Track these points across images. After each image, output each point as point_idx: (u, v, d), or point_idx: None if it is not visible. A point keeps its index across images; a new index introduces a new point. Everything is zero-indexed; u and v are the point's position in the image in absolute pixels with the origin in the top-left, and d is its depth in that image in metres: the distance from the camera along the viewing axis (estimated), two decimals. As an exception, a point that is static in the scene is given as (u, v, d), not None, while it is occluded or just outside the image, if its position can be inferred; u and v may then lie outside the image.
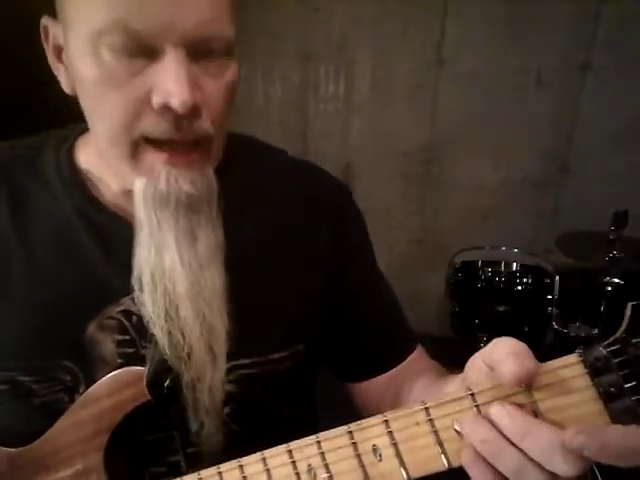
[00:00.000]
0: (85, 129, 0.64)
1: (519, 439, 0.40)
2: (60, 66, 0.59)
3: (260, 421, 0.66)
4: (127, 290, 0.60)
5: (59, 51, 0.58)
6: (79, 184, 0.64)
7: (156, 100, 0.51)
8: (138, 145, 0.54)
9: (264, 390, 0.66)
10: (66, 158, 0.65)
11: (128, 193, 0.60)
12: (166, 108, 0.51)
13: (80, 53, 0.52)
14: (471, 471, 0.42)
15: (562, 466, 0.38)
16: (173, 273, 0.57)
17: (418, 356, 0.75)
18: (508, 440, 0.40)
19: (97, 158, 0.63)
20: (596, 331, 1.94)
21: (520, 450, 0.40)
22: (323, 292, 0.70)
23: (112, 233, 0.62)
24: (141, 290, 0.58)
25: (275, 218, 0.69)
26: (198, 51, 0.52)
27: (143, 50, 0.50)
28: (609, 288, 1.84)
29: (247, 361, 0.63)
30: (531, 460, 0.40)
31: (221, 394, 0.61)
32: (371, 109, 2.66)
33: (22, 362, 0.60)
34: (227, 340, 0.60)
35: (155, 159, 0.55)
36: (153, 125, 0.53)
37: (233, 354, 0.61)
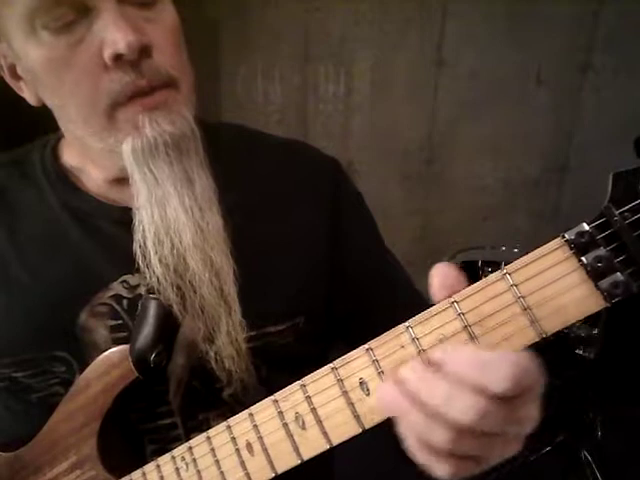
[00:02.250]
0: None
1: (417, 394, 0.37)
2: (19, 83, 0.60)
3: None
4: (116, 275, 0.61)
5: (13, 69, 0.59)
6: (63, 178, 0.65)
7: (107, 54, 0.52)
8: (113, 110, 0.55)
9: (268, 368, 0.65)
10: (50, 158, 0.67)
11: (111, 182, 0.63)
12: (119, 59, 0.52)
13: (25, 48, 0.54)
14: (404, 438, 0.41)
15: (459, 410, 0.35)
16: (177, 224, 0.58)
17: None
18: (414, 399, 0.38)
19: (78, 154, 0.65)
20: (596, 331, 1.94)
21: (422, 407, 0.37)
22: (322, 264, 0.69)
23: (98, 221, 0.63)
24: (145, 256, 0.58)
25: (267, 191, 0.69)
26: None
27: (76, 14, 0.51)
28: (609, 288, 1.83)
29: (243, 335, 0.62)
30: (433, 416, 0.37)
31: (242, 337, 0.61)
32: (371, 109, 2.66)
33: (16, 357, 0.61)
34: (235, 280, 0.60)
35: (133, 112, 0.55)
36: (116, 83, 0.54)
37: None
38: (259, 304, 0.63)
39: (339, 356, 0.78)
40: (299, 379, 0.65)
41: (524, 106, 2.53)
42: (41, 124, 0.66)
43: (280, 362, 0.66)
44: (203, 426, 0.64)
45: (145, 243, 0.58)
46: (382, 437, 0.44)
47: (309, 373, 0.70)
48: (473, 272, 2.08)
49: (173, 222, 0.58)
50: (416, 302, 0.75)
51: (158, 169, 0.56)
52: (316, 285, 0.69)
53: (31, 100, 0.61)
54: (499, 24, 2.44)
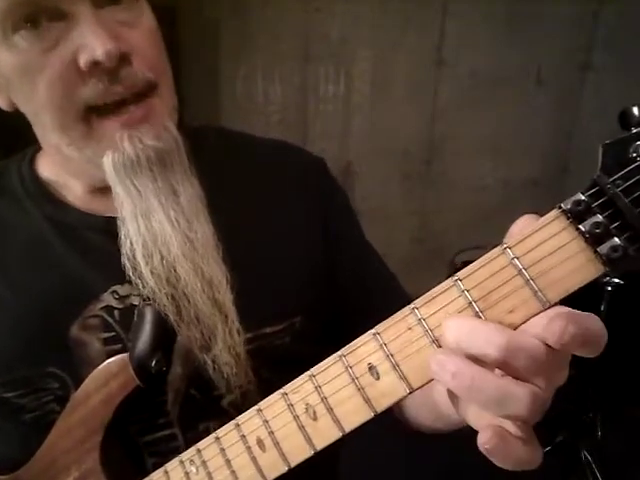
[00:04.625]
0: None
1: (495, 356, 0.36)
2: None
3: None
4: (105, 286, 0.60)
5: None
6: (44, 192, 0.64)
7: (83, 61, 0.51)
8: (89, 120, 0.54)
9: (268, 371, 0.64)
10: (29, 171, 0.65)
11: (93, 192, 0.62)
12: (95, 66, 0.51)
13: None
14: (463, 415, 0.39)
15: (556, 373, 0.36)
16: (164, 236, 0.57)
17: None
18: (479, 362, 0.36)
19: (57, 166, 0.64)
20: (596, 331, 1.93)
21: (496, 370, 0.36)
22: (317, 263, 0.69)
23: (82, 232, 0.62)
24: (135, 268, 0.57)
25: (257, 193, 0.68)
26: None
27: (50, 18, 0.50)
28: (609, 288, 1.84)
29: (241, 340, 0.61)
30: (512, 378, 0.36)
31: (239, 344, 0.59)
32: (371, 109, 2.66)
33: (6, 377, 0.59)
34: (229, 288, 0.59)
35: (112, 127, 0.54)
36: (92, 90, 0.52)
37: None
38: (256, 306, 0.62)
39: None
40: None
41: (524, 106, 2.53)
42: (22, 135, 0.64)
43: (278, 363, 0.65)
44: (203, 436, 0.62)
45: (134, 255, 0.57)
46: (385, 439, 0.43)
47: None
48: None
49: (159, 234, 0.57)
50: (400, 297, 0.74)
51: (141, 184, 0.55)
52: (312, 284, 0.68)
53: (4, 105, 0.59)
54: (499, 24, 2.44)
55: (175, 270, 0.57)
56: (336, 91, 2.67)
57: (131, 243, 0.57)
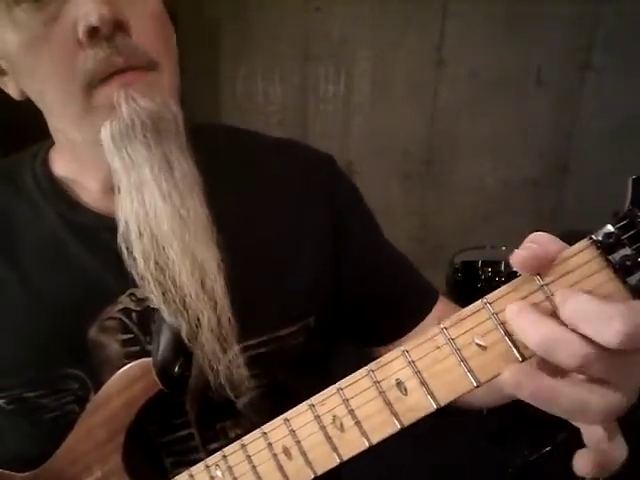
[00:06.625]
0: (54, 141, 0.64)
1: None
2: (4, 78, 0.59)
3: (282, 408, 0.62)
4: (123, 288, 0.60)
5: None
6: (58, 191, 0.63)
7: (80, 29, 0.50)
8: (89, 91, 0.53)
9: (283, 372, 0.64)
10: (42, 169, 0.65)
11: (107, 192, 0.61)
12: (93, 35, 0.50)
13: (2, 33, 0.52)
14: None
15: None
16: (155, 210, 0.55)
17: (443, 307, 0.72)
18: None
19: (70, 161, 0.63)
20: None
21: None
22: (327, 262, 0.68)
23: (97, 233, 0.61)
24: (130, 249, 0.56)
25: (266, 192, 0.68)
26: None
27: None
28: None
29: (255, 341, 0.61)
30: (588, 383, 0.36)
31: (232, 337, 0.59)
32: (371, 109, 2.66)
33: (26, 378, 0.59)
34: (221, 273, 0.58)
35: (110, 89, 0.53)
36: (91, 60, 0.52)
37: (239, 336, 0.59)
38: (269, 308, 0.62)
39: (344, 350, 0.76)
40: (312, 378, 0.62)
41: (524, 106, 2.53)
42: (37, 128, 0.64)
43: (293, 364, 0.65)
44: (220, 436, 0.63)
45: (129, 234, 0.56)
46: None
47: (321, 371, 0.68)
48: (473, 272, 2.08)
49: (151, 208, 0.55)
50: (421, 285, 0.75)
51: (135, 152, 0.54)
52: (323, 283, 0.68)
53: (15, 94, 0.59)
54: (499, 24, 2.44)
55: (164, 249, 0.56)
56: (336, 91, 2.67)
57: (126, 222, 0.56)
